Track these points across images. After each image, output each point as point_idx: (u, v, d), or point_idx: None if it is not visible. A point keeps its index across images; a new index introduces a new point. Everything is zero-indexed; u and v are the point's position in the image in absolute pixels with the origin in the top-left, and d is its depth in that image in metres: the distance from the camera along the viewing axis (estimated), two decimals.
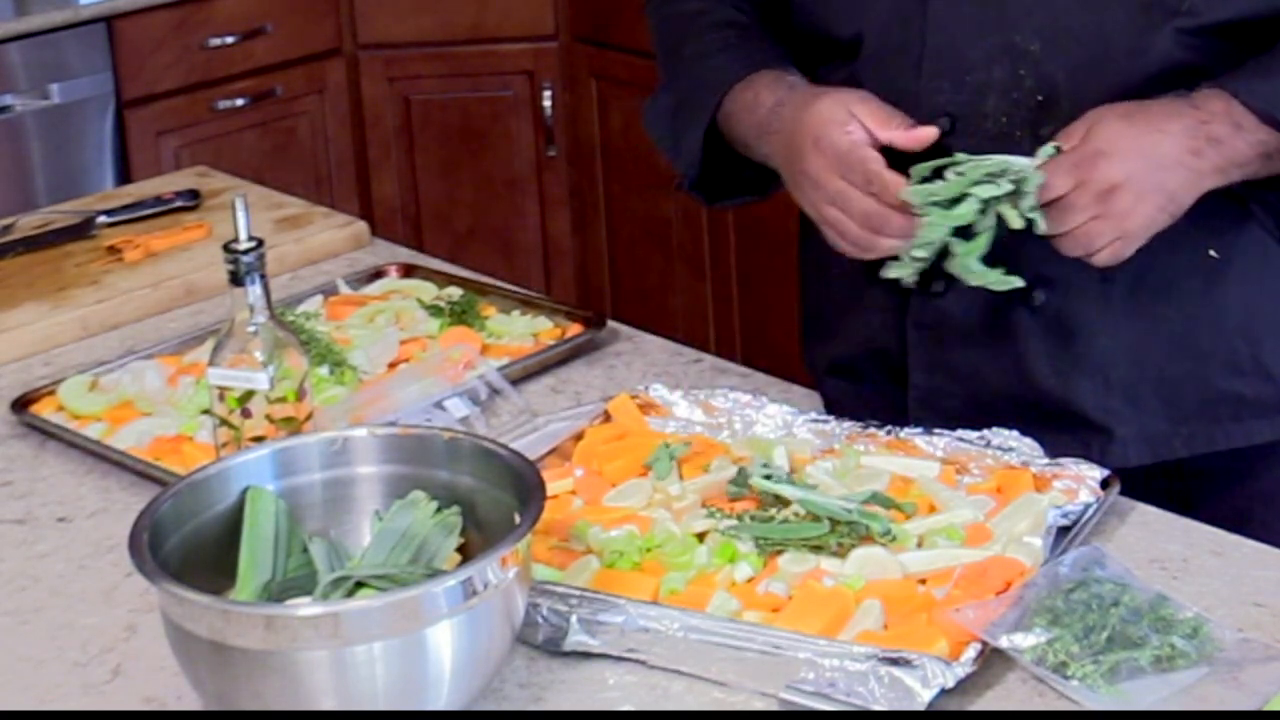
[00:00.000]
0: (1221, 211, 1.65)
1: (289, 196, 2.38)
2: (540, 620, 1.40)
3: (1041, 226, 1.56)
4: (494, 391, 1.80)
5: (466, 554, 1.41)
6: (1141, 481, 1.63)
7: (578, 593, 1.41)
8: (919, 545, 1.48)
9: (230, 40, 3.67)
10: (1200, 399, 1.72)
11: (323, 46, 3.84)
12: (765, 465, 1.57)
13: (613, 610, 1.39)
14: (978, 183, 1.57)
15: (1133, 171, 1.54)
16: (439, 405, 1.76)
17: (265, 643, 1.24)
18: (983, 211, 1.58)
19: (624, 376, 1.86)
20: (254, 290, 1.54)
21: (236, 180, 2.47)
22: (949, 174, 1.58)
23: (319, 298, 2.02)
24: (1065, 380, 1.71)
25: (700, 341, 3.48)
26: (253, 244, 1.54)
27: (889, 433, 1.65)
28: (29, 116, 3.45)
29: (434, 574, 1.33)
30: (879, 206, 1.60)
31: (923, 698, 1.30)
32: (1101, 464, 1.58)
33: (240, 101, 3.72)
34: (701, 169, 1.80)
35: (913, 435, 1.64)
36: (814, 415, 1.68)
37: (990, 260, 1.61)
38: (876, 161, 1.60)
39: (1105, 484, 1.55)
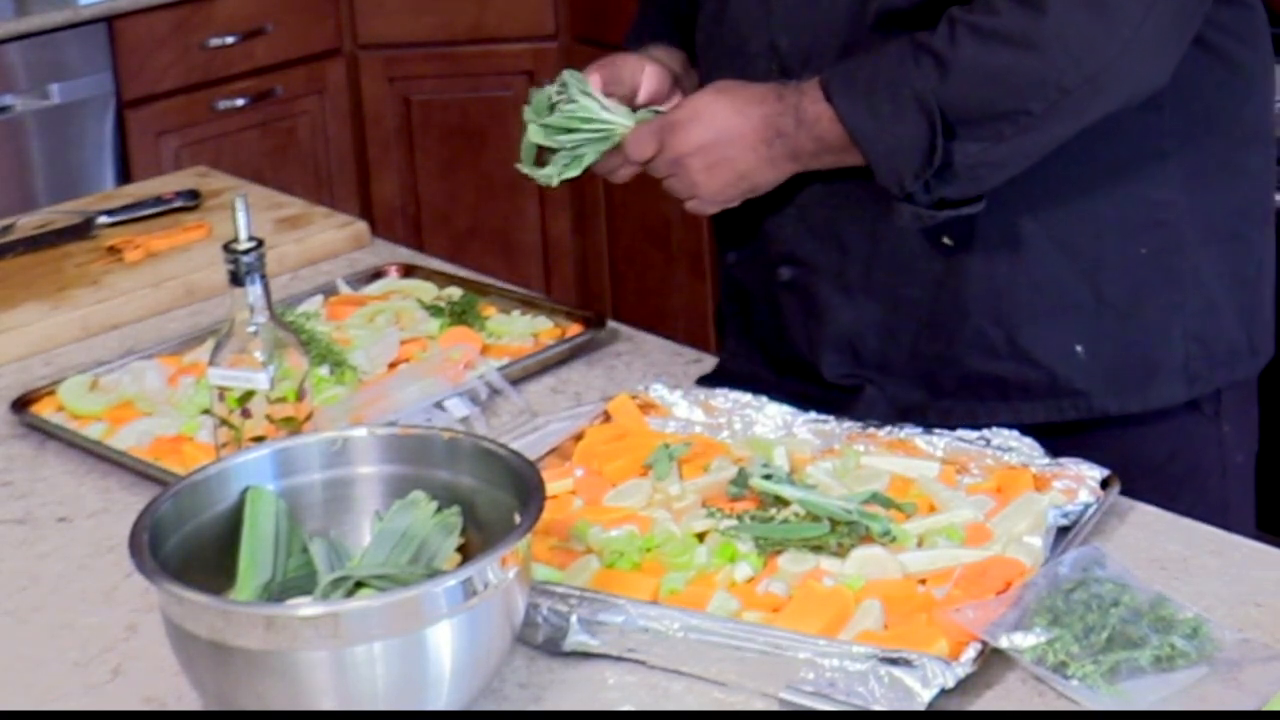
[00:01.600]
0: None
1: (289, 196, 2.38)
2: (540, 620, 1.40)
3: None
4: (494, 391, 1.80)
5: (466, 554, 1.41)
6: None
7: (578, 593, 1.41)
8: (919, 545, 1.48)
9: (230, 40, 3.68)
10: (957, 379, 1.75)
11: (323, 46, 3.84)
12: (765, 465, 1.57)
13: (613, 610, 1.39)
14: (583, 126, 1.77)
15: (703, 144, 1.67)
16: (439, 405, 1.76)
17: (265, 643, 1.24)
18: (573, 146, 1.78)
19: (624, 376, 1.86)
20: (254, 290, 1.54)
21: (236, 180, 2.47)
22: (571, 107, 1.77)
23: (319, 298, 2.02)
24: (816, 352, 1.79)
25: (700, 341, 3.48)
26: (253, 244, 1.54)
27: (889, 433, 1.65)
28: (29, 116, 3.45)
29: (434, 574, 1.33)
30: None
31: (923, 698, 1.30)
32: (851, 417, 1.68)
33: (240, 101, 3.72)
34: None
35: (913, 435, 1.64)
36: (814, 415, 1.68)
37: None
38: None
39: (1105, 484, 1.55)
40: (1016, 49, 1.58)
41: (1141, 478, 1.58)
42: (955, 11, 1.61)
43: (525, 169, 1.82)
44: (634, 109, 1.76)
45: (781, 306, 1.81)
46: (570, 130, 1.76)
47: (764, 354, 1.85)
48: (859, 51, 1.67)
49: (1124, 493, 1.56)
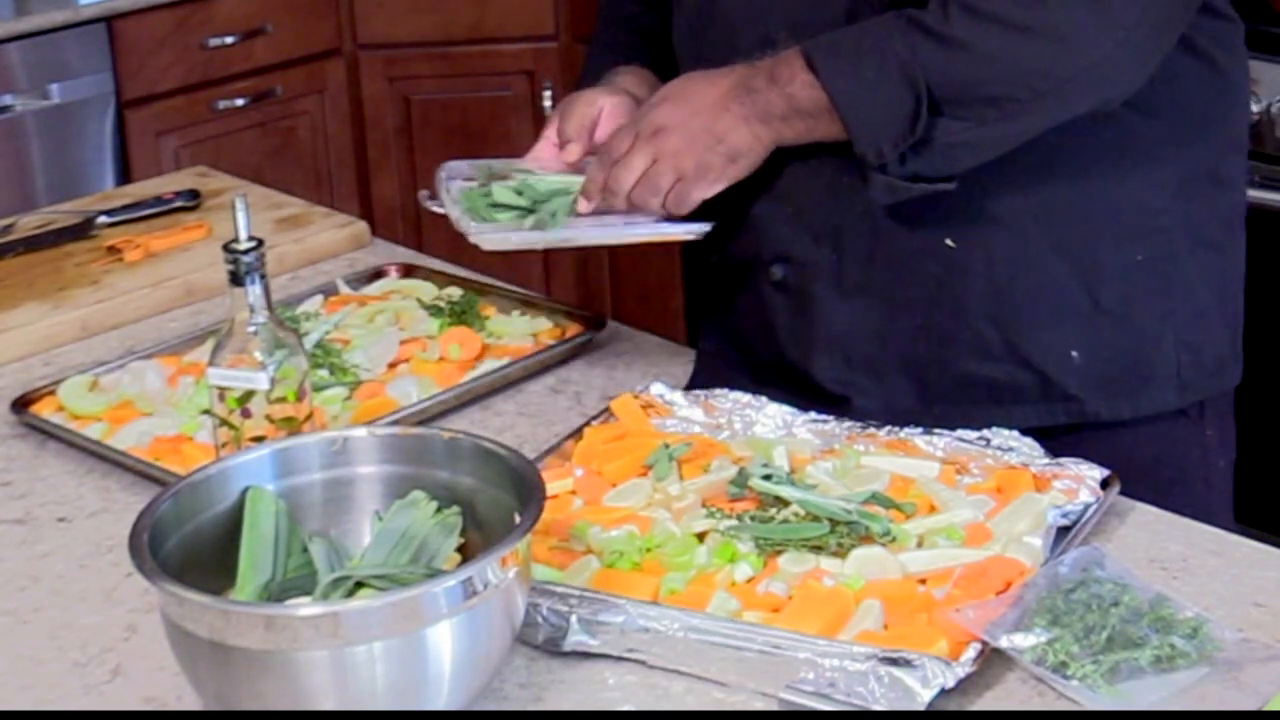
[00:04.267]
0: (958, 203, 1.67)
1: (289, 196, 2.38)
2: (540, 620, 1.40)
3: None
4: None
5: (466, 554, 1.41)
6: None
7: (578, 593, 1.41)
8: (919, 545, 1.48)
9: (230, 40, 3.68)
10: (951, 381, 1.74)
11: (323, 46, 3.84)
12: (765, 465, 1.57)
13: (613, 610, 1.39)
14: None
15: (679, 116, 1.67)
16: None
17: (265, 643, 1.24)
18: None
19: (624, 376, 1.86)
20: (254, 290, 1.54)
21: (236, 180, 2.47)
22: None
23: (319, 298, 2.02)
24: (805, 353, 1.78)
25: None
26: (253, 244, 1.54)
27: (889, 433, 1.65)
28: (29, 116, 3.45)
29: (434, 574, 1.33)
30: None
31: (923, 698, 1.30)
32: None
33: (240, 101, 3.72)
34: None
35: (913, 435, 1.64)
36: (814, 415, 1.68)
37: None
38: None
39: (1105, 484, 1.55)
40: (1013, 34, 1.58)
41: (1128, 482, 1.58)
42: None
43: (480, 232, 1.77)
44: (592, 151, 1.77)
45: (770, 308, 1.80)
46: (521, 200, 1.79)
47: (744, 360, 1.84)
48: None
49: None
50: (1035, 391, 1.73)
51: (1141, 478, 1.62)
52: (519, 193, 1.80)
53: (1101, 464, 1.57)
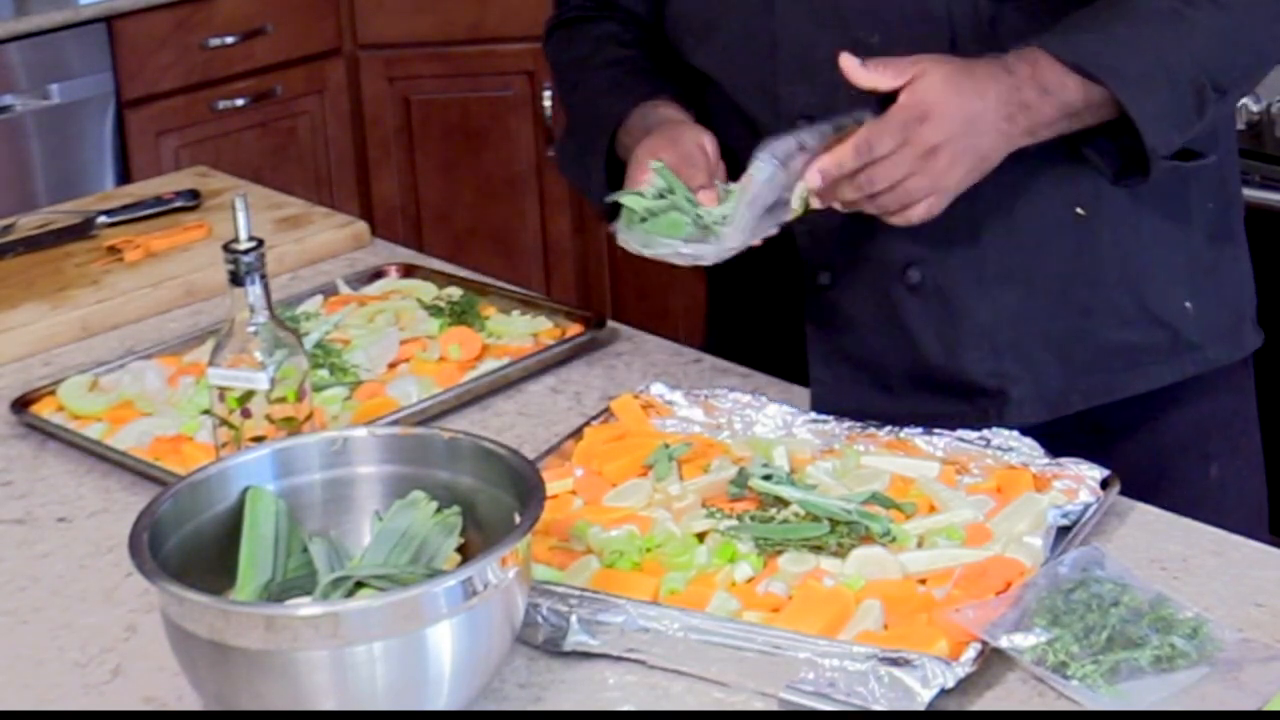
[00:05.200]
0: (1083, 169, 1.69)
1: (289, 196, 2.38)
2: (540, 620, 1.40)
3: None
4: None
5: (466, 554, 1.41)
6: (1048, 441, 1.66)
7: (578, 593, 1.41)
8: (919, 545, 1.48)
9: (230, 40, 3.67)
10: (1092, 352, 1.76)
11: (323, 46, 3.84)
12: (765, 465, 1.57)
13: (613, 610, 1.39)
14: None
15: (953, 134, 1.59)
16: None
17: (265, 643, 1.24)
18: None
19: (624, 376, 1.86)
20: (254, 290, 1.54)
21: (236, 180, 2.47)
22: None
23: (319, 298, 2.02)
24: (953, 352, 1.75)
25: (700, 342, 3.48)
26: (253, 244, 1.54)
27: (889, 433, 1.65)
28: (29, 116, 3.45)
29: (434, 574, 1.33)
30: None
31: (923, 698, 1.30)
32: (1001, 425, 1.64)
33: (240, 101, 3.72)
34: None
35: (913, 435, 1.64)
36: (814, 415, 1.68)
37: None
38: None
39: (1105, 484, 1.55)
40: (1254, 10, 1.65)
41: (1189, 434, 1.67)
42: None
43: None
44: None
45: (906, 314, 1.75)
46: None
47: (874, 377, 1.79)
48: (970, 44, 1.66)
49: (1164, 451, 1.62)
50: (1165, 348, 1.77)
51: (1197, 426, 1.71)
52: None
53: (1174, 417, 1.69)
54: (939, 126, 1.58)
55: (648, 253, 1.64)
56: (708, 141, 1.71)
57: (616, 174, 1.77)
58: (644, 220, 1.65)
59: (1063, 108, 1.62)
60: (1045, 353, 1.75)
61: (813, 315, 1.81)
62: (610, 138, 1.80)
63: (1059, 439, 1.64)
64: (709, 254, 1.64)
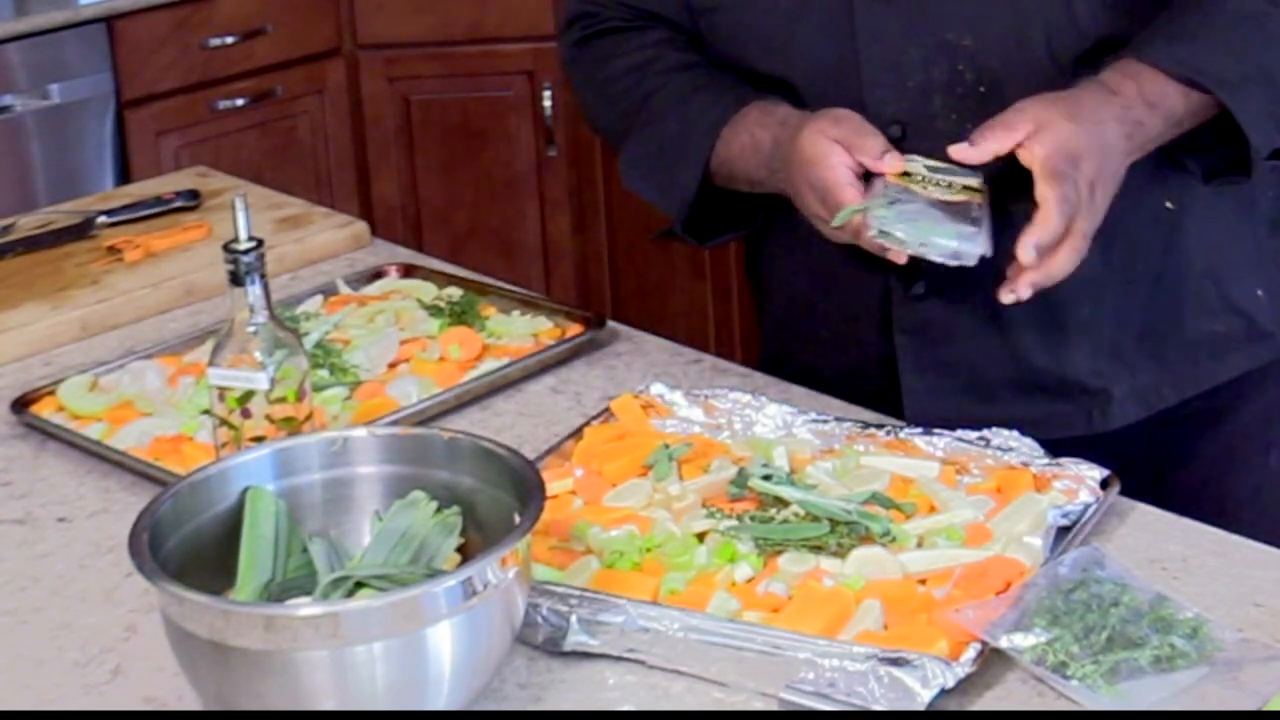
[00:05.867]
0: (1172, 165, 1.71)
1: (289, 196, 2.38)
2: (540, 620, 1.40)
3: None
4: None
5: (466, 554, 1.41)
6: (1125, 439, 1.65)
7: (578, 593, 1.41)
8: (919, 545, 1.48)
9: (230, 40, 3.67)
10: (1180, 344, 1.78)
11: (323, 46, 3.84)
12: (765, 465, 1.57)
13: (613, 610, 1.39)
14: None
15: (1100, 167, 1.59)
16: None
17: (265, 643, 1.24)
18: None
19: (624, 376, 1.86)
20: (254, 290, 1.54)
21: (236, 180, 2.47)
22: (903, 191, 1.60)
23: (319, 298, 2.02)
24: (1057, 354, 1.76)
25: (700, 341, 3.48)
26: (253, 244, 1.54)
27: (889, 433, 1.65)
28: (29, 116, 3.45)
29: (434, 574, 1.33)
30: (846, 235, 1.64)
31: (923, 698, 1.30)
32: (1103, 427, 1.67)
33: (240, 101, 3.72)
34: (692, 211, 1.82)
35: (913, 435, 1.64)
36: (814, 415, 1.68)
37: (958, 271, 1.62)
38: (849, 196, 1.61)
39: (1105, 484, 1.55)
40: None
41: (1255, 422, 1.70)
42: None
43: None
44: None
45: (1006, 319, 1.74)
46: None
47: (971, 385, 1.79)
48: (1063, 44, 1.66)
49: (1226, 438, 1.67)
50: (1242, 337, 1.80)
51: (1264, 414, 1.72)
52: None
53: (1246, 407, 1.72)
54: (1090, 164, 1.58)
55: (911, 250, 1.58)
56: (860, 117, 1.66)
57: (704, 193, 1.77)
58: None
59: (1168, 118, 1.63)
60: (1141, 348, 1.77)
61: (905, 325, 1.79)
62: (711, 144, 1.77)
63: (1136, 438, 1.66)
64: (972, 255, 1.59)
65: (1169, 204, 1.74)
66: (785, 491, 1.52)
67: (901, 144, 1.68)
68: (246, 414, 1.55)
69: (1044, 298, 1.69)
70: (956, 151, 1.59)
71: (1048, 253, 1.56)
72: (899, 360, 1.80)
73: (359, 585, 1.37)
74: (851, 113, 1.67)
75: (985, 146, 1.58)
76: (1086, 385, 1.77)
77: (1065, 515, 1.51)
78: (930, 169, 1.63)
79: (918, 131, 1.71)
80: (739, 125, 1.76)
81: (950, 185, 1.63)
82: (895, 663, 1.31)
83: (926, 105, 1.71)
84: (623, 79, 1.89)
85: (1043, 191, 1.55)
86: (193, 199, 2.32)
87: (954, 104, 1.71)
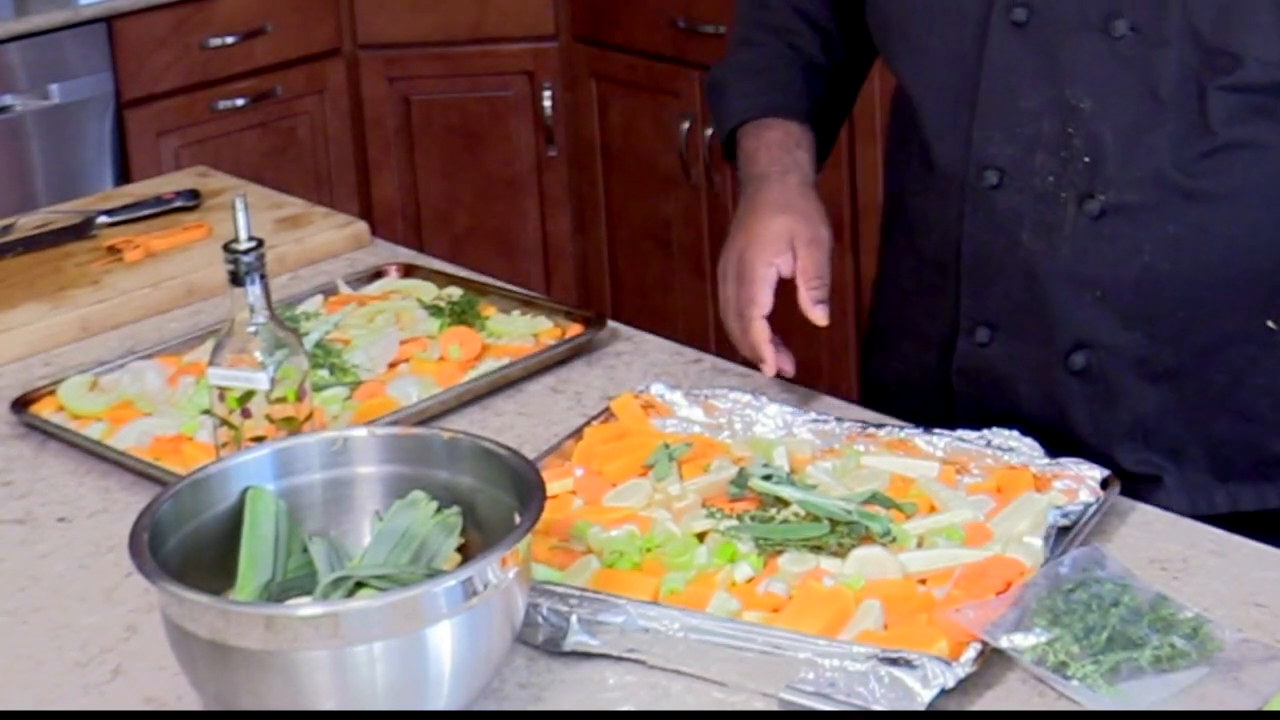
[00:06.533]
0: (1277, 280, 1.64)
1: (289, 196, 2.38)
2: (540, 620, 1.40)
3: None
4: None
5: (466, 554, 1.41)
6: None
7: (578, 593, 1.41)
8: (919, 545, 1.48)
9: (230, 40, 3.67)
10: (1253, 460, 1.70)
11: (323, 46, 3.84)
12: (765, 465, 1.57)
13: (613, 610, 1.39)
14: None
15: None
16: None
17: (265, 643, 1.24)
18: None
19: (624, 376, 1.86)
20: (254, 290, 1.54)
21: (236, 180, 2.47)
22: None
23: (319, 298, 2.02)
24: (1107, 440, 1.69)
25: (700, 341, 3.47)
26: (253, 244, 1.54)
27: (889, 433, 1.65)
28: (29, 116, 3.45)
29: (434, 574, 1.33)
30: (738, 329, 1.74)
31: (923, 698, 1.30)
32: (1147, 504, 1.58)
33: (240, 101, 3.72)
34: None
35: (913, 435, 1.64)
36: (814, 415, 1.68)
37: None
38: (761, 305, 1.71)
39: (1105, 484, 1.55)
40: None
41: None
42: None
43: None
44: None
45: (1066, 396, 1.70)
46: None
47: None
48: (1191, 150, 1.61)
49: None
50: None
51: None
52: None
53: None
54: None
55: None
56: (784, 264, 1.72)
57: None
58: None
59: None
60: (1202, 455, 1.70)
61: (963, 368, 1.76)
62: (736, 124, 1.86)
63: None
64: None
65: (1271, 324, 1.66)
66: (785, 491, 1.52)
67: (995, 191, 1.67)
68: (246, 414, 1.55)
69: (1104, 383, 1.67)
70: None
71: None
72: (955, 396, 1.77)
73: (359, 585, 1.37)
74: (824, 242, 1.73)
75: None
76: (1132, 472, 1.66)
77: (1065, 515, 1.51)
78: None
79: (1014, 183, 1.67)
80: (761, 126, 1.83)
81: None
82: (895, 663, 1.31)
83: (1029, 159, 1.66)
84: (751, 18, 1.95)
85: None
86: (193, 199, 2.31)
87: (1055, 166, 1.65)
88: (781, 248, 1.72)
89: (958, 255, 1.72)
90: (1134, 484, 1.62)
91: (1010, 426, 1.63)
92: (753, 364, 1.75)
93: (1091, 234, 1.64)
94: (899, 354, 1.87)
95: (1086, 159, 1.64)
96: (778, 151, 1.81)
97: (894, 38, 1.78)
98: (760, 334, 1.71)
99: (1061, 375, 1.69)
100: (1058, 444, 1.65)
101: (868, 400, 1.87)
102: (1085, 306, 1.66)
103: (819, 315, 1.71)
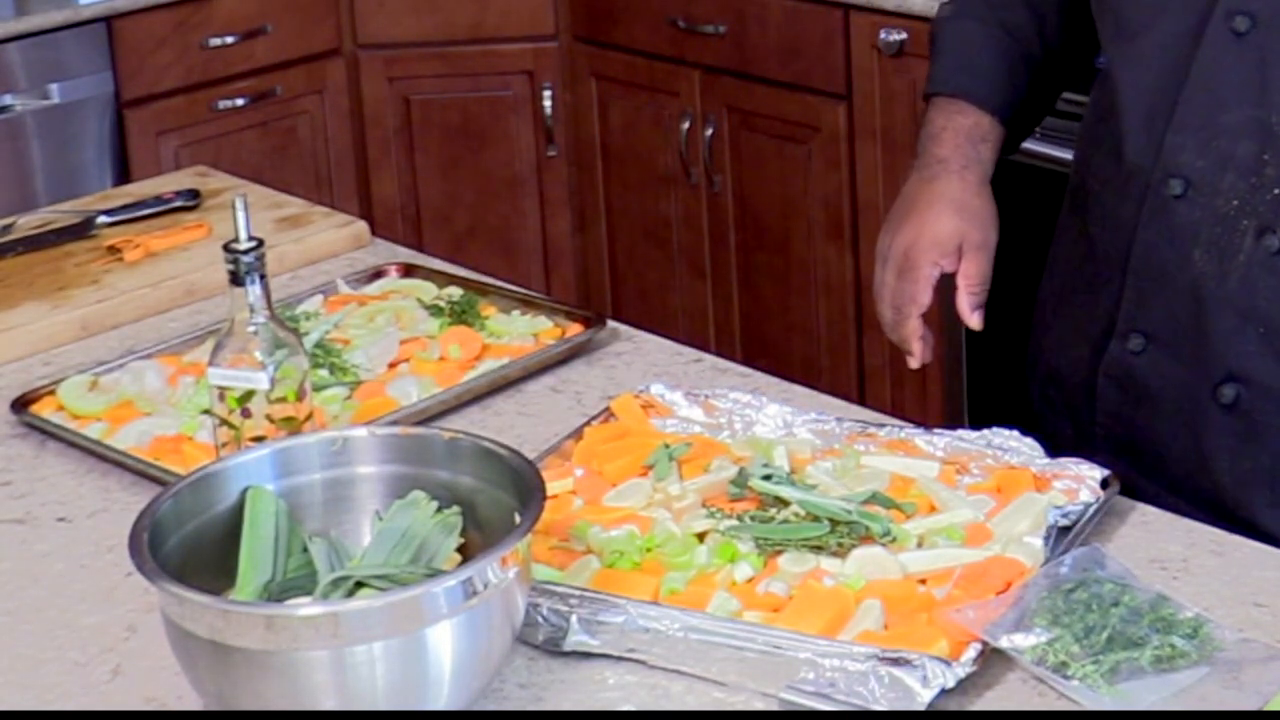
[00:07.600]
0: None
1: (289, 196, 2.38)
2: (540, 620, 1.40)
3: None
4: None
5: (466, 554, 1.41)
6: None
7: (578, 593, 1.41)
8: (919, 545, 1.48)
9: (230, 40, 3.68)
10: None
11: (323, 46, 3.84)
12: (765, 465, 1.57)
13: (613, 610, 1.39)
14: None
15: None
16: None
17: (265, 643, 1.24)
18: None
19: (624, 376, 1.86)
20: (254, 290, 1.54)
21: (236, 180, 2.47)
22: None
23: (319, 298, 2.02)
24: (1242, 483, 1.65)
25: (700, 341, 3.48)
26: (253, 244, 1.54)
27: (889, 433, 1.65)
28: (29, 116, 3.45)
29: (434, 574, 1.33)
30: (891, 318, 1.79)
31: (923, 698, 1.30)
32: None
33: (240, 101, 3.72)
34: None
35: (913, 435, 1.64)
36: (814, 415, 1.68)
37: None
38: (921, 304, 1.76)
39: (1105, 484, 1.55)
40: None
41: None
42: None
43: None
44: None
45: (1208, 431, 1.65)
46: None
47: (1154, 476, 1.68)
48: None
49: None
50: None
51: None
52: None
53: None
54: None
55: None
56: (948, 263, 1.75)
57: None
58: None
59: None
60: None
61: (1111, 372, 1.72)
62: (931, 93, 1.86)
63: None
64: None
65: None
66: (785, 491, 1.52)
67: (1178, 201, 1.63)
68: (246, 414, 1.55)
69: (1249, 420, 1.62)
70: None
71: None
72: (1097, 398, 1.74)
73: (359, 585, 1.37)
74: (989, 247, 1.76)
75: None
76: (1267, 529, 1.60)
77: (1065, 515, 1.51)
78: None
79: (1197, 198, 1.62)
80: (951, 108, 1.83)
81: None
82: (895, 663, 1.31)
83: (1218, 177, 1.60)
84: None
85: None
86: (193, 199, 2.31)
87: (1243, 190, 1.59)
88: (949, 249, 1.75)
89: (1128, 255, 1.68)
90: (1256, 536, 1.54)
91: (1144, 452, 1.65)
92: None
93: (1265, 268, 1.59)
94: (1053, 338, 1.83)
95: (1277, 191, 1.58)
96: (963, 140, 1.81)
97: (1109, 20, 1.74)
98: (915, 330, 1.77)
99: (1208, 404, 1.65)
100: (1186, 484, 1.63)
101: (1019, 379, 1.88)
102: (1246, 340, 1.61)
103: (976, 321, 1.75)
